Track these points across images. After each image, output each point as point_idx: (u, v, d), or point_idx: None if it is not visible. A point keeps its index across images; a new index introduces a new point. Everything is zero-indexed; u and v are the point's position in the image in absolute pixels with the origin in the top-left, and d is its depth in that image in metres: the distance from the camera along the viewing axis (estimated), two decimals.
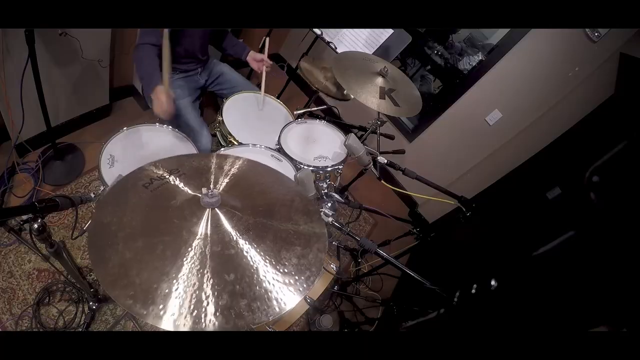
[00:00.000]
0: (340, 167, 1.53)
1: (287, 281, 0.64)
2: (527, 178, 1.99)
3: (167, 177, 0.80)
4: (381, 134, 1.66)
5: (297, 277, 0.66)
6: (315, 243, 0.74)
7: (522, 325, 0.86)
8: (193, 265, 0.62)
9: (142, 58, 1.37)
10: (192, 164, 0.88)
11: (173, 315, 0.55)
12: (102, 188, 1.11)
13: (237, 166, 0.89)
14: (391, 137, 2.22)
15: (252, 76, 2.44)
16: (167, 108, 1.28)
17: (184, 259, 0.62)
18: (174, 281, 0.59)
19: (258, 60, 1.78)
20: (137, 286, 0.57)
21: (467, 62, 2.42)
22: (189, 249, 0.64)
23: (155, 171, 0.81)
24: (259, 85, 1.88)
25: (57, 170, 1.79)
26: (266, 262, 0.66)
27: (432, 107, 2.57)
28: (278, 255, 0.68)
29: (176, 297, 0.57)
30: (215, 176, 0.84)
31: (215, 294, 0.59)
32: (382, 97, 1.42)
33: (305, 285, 0.65)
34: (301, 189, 1.01)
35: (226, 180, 0.83)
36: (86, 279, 1.50)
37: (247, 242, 0.68)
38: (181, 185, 0.79)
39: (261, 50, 1.81)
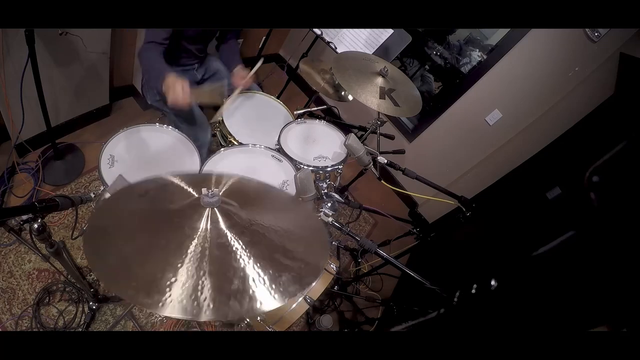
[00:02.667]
0: (340, 167, 1.53)
1: (296, 267, 0.63)
2: (527, 178, 1.99)
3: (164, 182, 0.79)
4: (381, 134, 1.66)
5: (307, 262, 0.65)
6: (316, 236, 0.75)
7: (522, 325, 0.86)
8: (199, 254, 0.60)
9: (148, 56, 1.38)
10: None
11: (181, 302, 0.53)
12: (102, 188, 1.11)
13: (230, 183, 0.88)
14: (391, 137, 2.22)
15: None
16: (183, 96, 1.25)
17: (189, 249, 0.61)
18: (180, 269, 0.57)
19: (241, 76, 1.66)
20: (140, 278, 0.55)
21: (467, 62, 2.42)
22: (194, 241, 0.63)
23: (150, 183, 0.80)
24: (258, 84, 1.87)
25: (57, 170, 1.80)
26: (272, 254, 0.65)
27: (432, 107, 2.57)
28: (283, 246, 0.68)
29: (183, 284, 0.55)
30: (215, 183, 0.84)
31: (225, 280, 0.57)
32: (382, 97, 1.42)
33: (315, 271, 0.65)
34: (300, 190, 1.01)
35: (223, 189, 0.83)
36: (86, 279, 1.50)
37: (249, 239, 0.68)
38: (180, 186, 0.78)
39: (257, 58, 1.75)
